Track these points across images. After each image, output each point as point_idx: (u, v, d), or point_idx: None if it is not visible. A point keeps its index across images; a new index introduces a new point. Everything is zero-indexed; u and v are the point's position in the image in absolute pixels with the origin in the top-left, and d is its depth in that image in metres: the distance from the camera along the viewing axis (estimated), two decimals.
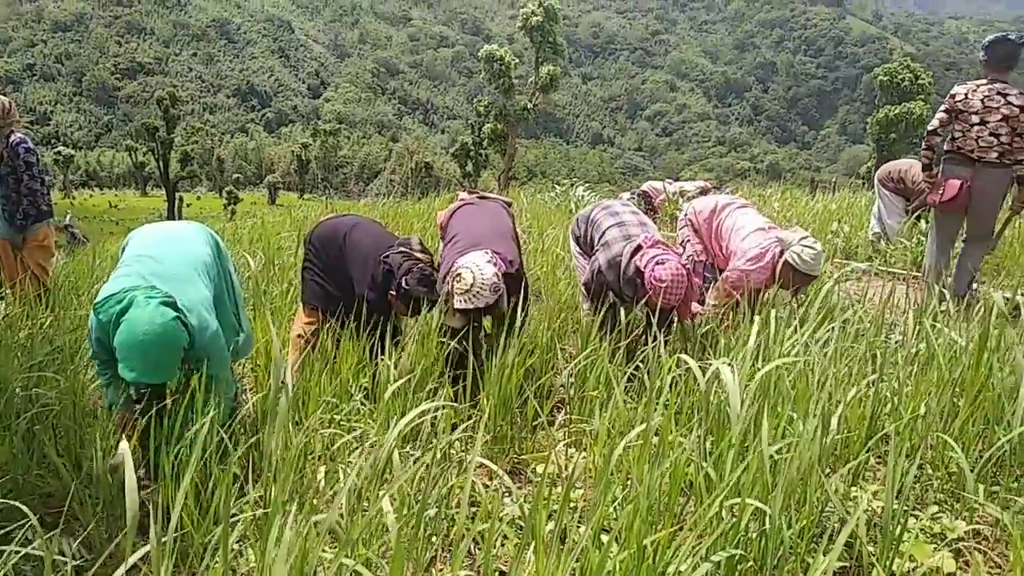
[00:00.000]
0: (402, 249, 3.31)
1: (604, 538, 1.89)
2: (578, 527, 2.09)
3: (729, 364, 2.23)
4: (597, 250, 3.65)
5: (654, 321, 3.22)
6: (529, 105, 35.04)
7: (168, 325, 2.38)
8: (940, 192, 4.72)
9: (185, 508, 2.15)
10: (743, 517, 1.83)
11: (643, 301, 3.32)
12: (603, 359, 2.97)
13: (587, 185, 13.95)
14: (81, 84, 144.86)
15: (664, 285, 3.25)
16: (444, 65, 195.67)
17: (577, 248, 4.05)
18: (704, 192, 8.29)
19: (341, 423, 2.75)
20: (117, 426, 2.65)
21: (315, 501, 2.11)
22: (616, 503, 2.09)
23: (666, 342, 3.44)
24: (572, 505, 2.30)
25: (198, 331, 2.51)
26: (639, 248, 3.44)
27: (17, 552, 2.09)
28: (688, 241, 4.42)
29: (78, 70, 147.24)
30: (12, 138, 4.46)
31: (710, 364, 2.28)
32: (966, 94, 4.61)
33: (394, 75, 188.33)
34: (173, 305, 2.45)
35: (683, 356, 2.45)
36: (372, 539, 1.84)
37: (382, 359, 2.98)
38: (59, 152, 55.73)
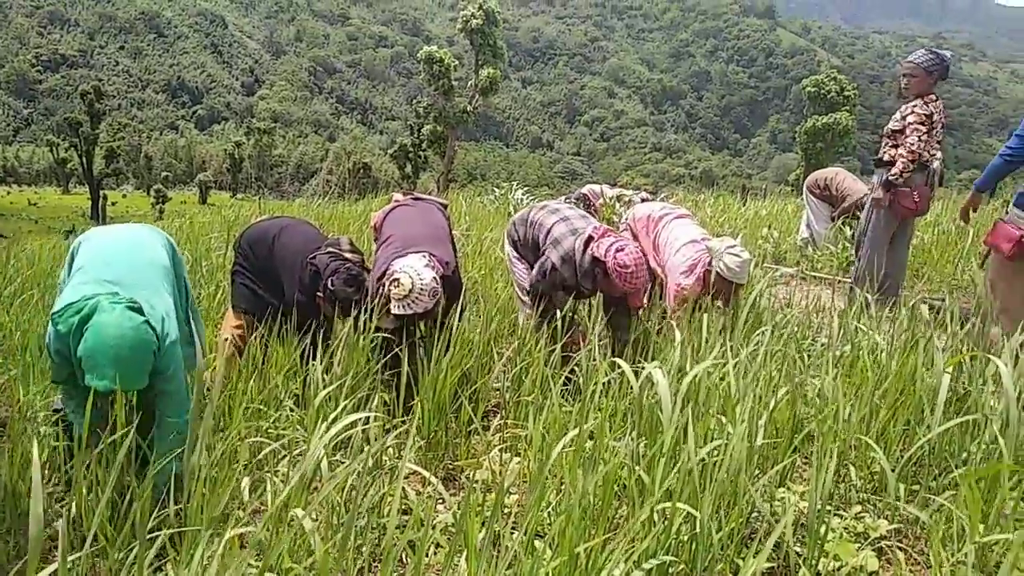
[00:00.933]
0: (330, 249, 3.24)
1: (538, 544, 1.88)
2: (511, 533, 2.07)
3: (660, 368, 2.25)
4: (545, 249, 3.61)
5: (603, 316, 3.23)
6: (469, 108, 35.04)
7: (139, 329, 2.26)
8: (915, 200, 5.02)
9: (101, 525, 2.04)
10: (674, 521, 1.84)
11: (600, 292, 3.33)
12: (539, 362, 2.96)
13: (526, 188, 13.98)
14: None
15: (629, 270, 3.27)
16: (383, 65, 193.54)
17: (514, 252, 4.03)
18: (644, 200, 8.41)
19: (269, 431, 2.67)
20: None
21: (240, 513, 2.04)
22: (550, 508, 2.08)
23: (622, 339, 3.48)
24: (506, 511, 2.29)
25: (162, 339, 2.37)
26: (590, 239, 3.44)
27: None
28: None
29: None
30: None
31: (643, 368, 2.30)
32: (931, 112, 4.91)
33: (331, 74, 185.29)
34: (139, 310, 2.32)
35: (617, 359, 2.46)
36: (299, 551, 1.78)
37: (313, 364, 2.90)
38: None
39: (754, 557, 1.64)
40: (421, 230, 3.46)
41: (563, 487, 2.17)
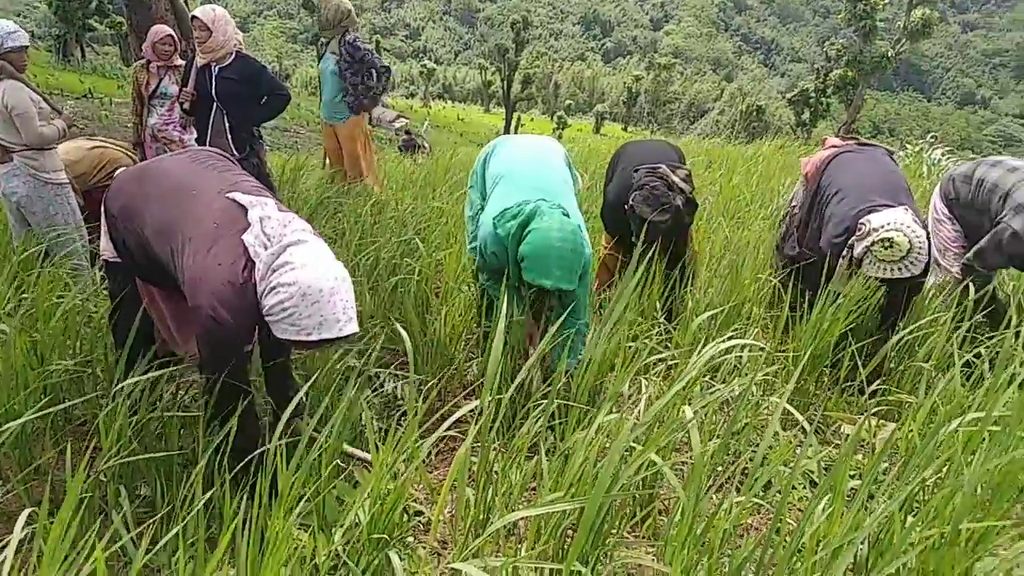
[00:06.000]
0: (657, 167, 3.10)
1: (909, 519, 1.77)
2: (880, 497, 1.97)
3: None
4: (1003, 216, 3.07)
5: None
6: (890, 53, 31.14)
7: (576, 233, 2.48)
8: None
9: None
10: None
11: None
12: (940, 333, 2.67)
13: (946, 150, 12.15)
14: (451, 3, 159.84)
15: None
16: (799, 2, 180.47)
17: (946, 211, 3.47)
18: None
19: (645, 340, 2.85)
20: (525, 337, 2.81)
21: (616, 404, 2.25)
22: (929, 483, 1.92)
23: None
24: (874, 479, 2.17)
25: (585, 246, 2.56)
26: None
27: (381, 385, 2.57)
28: None
29: None
30: (347, 36, 5.20)
31: None
32: None
33: (741, 11, 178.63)
34: (569, 217, 2.54)
35: None
36: (669, 450, 1.92)
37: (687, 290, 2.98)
38: (424, 65, 62.62)
39: None
40: (878, 181, 3.04)
41: (946, 469, 1.98)
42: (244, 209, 1.94)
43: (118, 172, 2.24)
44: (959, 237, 3.39)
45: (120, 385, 1.84)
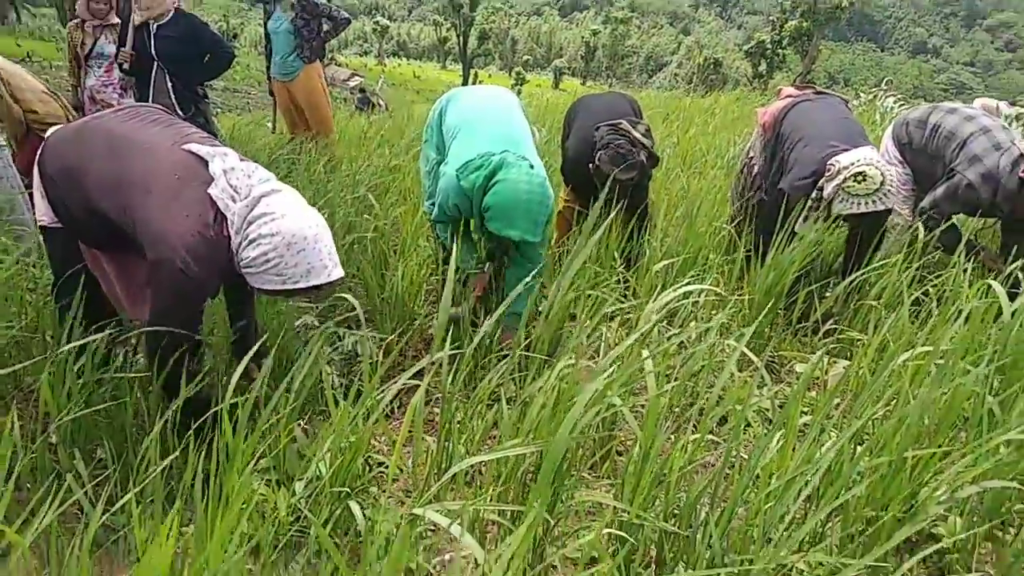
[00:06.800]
0: (618, 124, 3.08)
1: (858, 449, 1.83)
2: (831, 431, 2.04)
3: None
4: (957, 165, 3.14)
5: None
6: (844, 3, 31.27)
7: (544, 185, 2.48)
8: None
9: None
10: None
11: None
12: (892, 272, 2.73)
13: (899, 98, 12.28)
14: None
15: None
16: None
17: (897, 155, 3.53)
18: None
19: (603, 288, 2.86)
20: (472, 288, 2.84)
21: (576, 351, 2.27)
22: (878, 416, 1.99)
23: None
24: (827, 414, 2.23)
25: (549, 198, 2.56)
26: (1021, 157, 2.98)
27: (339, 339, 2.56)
28: None
29: None
30: None
31: None
32: None
33: None
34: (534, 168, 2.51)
35: (992, 283, 2.19)
36: (628, 395, 1.95)
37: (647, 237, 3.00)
38: (377, 22, 61.04)
39: None
40: (838, 127, 3.07)
41: (895, 401, 2.05)
42: (204, 161, 1.89)
43: (50, 132, 2.13)
44: (908, 181, 3.46)
45: (65, 348, 1.79)
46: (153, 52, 4.19)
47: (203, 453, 1.48)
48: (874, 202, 2.76)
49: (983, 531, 1.73)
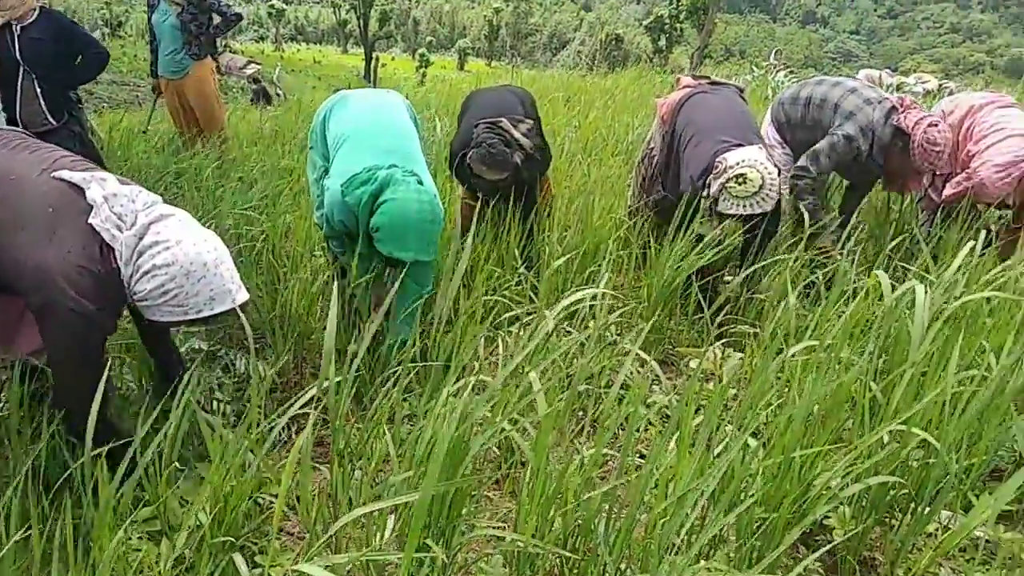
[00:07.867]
0: (497, 123, 2.98)
1: (752, 442, 1.86)
2: (726, 426, 2.07)
3: (924, 284, 2.04)
4: (835, 124, 3.29)
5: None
6: None
7: (434, 203, 2.38)
8: None
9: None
10: (907, 444, 1.72)
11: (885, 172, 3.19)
12: (786, 263, 2.80)
13: (789, 70, 12.73)
14: None
15: (937, 149, 3.01)
16: None
17: (776, 135, 3.65)
18: (927, 92, 7.33)
19: (504, 293, 2.84)
20: (375, 306, 2.70)
21: (477, 365, 2.23)
22: (769, 410, 2.03)
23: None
24: (724, 406, 2.27)
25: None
26: (894, 109, 3.12)
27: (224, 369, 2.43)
28: None
29: None
30: None
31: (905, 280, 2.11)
32: None
33: None
34: (424, 184, 2.42)
35: (877, 272, 2.27)
36: (526, 409, 1.92)
37: (548, 235, 3.00)
38: (272, 5, 58.84)
39: (990, 495, 1.51)
40: (732, 121, 3.09)
41: (787, 391, 2.10)
42: (79, 189, 1.73)
43: None
44: (789, 161, 3.60)
45: None
46: (18, 55, 3.87)
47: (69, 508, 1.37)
48: (752, 205, 2.80)
49: (872, 521, 1.79)
